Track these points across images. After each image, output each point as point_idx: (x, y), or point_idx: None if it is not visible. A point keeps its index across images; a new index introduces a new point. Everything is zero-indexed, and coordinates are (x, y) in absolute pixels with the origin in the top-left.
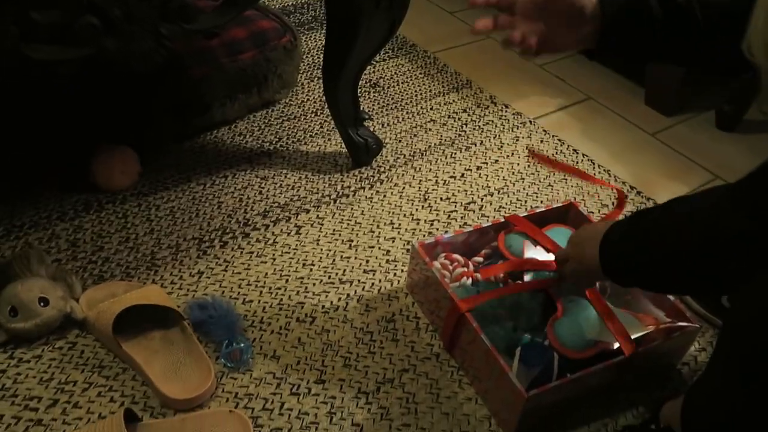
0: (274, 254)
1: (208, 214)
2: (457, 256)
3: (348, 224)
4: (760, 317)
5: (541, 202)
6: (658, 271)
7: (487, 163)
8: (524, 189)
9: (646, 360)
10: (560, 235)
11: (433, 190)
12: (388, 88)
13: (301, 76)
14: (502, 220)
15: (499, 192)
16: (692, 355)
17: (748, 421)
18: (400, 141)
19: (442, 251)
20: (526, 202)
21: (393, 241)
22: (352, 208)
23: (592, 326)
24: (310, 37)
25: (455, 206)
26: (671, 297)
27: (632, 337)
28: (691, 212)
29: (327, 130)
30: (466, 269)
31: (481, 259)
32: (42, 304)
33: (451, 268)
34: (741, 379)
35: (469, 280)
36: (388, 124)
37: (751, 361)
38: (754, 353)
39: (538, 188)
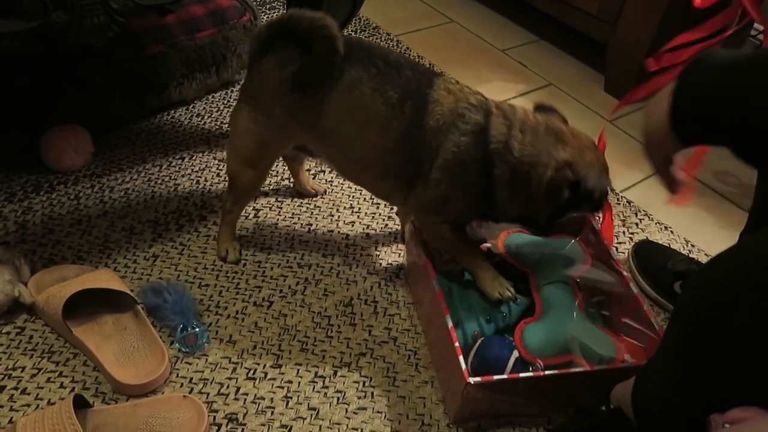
0: None
1: (164, 197)
2: None
3: (307, 208)
4: (704, 305)
5: None
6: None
7: None
8: None
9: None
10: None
11: None
12: None
13: None
14: None
15: None
16: None
17: (693, 402)
18: None
19: None
20: None
21: (352, 225)
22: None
23: (562, 337)
24: (271, 16)
25: None
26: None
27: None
28: None
29: None
30: None
31: None
32: None
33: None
34: (688, 363)
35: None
36: None
37: (697, 345)
38: (700, 338)
39: None
